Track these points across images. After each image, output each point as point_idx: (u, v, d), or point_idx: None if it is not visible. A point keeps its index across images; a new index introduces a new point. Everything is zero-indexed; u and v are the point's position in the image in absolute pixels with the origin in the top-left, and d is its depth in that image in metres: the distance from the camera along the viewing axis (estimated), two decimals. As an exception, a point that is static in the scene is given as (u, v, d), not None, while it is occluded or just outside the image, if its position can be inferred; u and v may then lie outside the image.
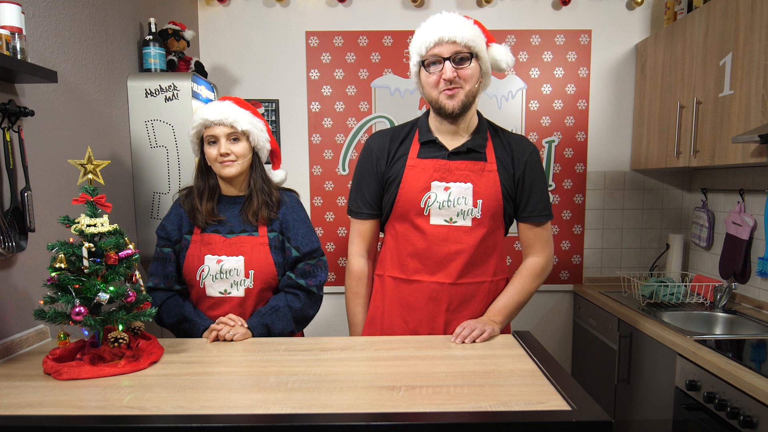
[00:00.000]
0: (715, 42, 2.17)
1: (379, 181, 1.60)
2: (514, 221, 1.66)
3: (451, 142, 1.56)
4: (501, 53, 1.52)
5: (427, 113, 1.61)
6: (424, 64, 1.48)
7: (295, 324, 1.63)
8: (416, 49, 1.49)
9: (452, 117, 1.50)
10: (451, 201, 1.52)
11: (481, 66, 1.49)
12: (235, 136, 1.58)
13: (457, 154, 1.54)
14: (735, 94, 2.04)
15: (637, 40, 2.84)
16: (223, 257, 1.60)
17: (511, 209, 1.60)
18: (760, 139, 1.79)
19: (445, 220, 1.54)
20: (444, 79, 1.44)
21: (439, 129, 1.57)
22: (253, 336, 1.55)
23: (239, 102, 1.63)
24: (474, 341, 1.45)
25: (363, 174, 1.62)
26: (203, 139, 1.61)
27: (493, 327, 1.50)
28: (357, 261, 1.68)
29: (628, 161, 2.92)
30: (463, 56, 1.44)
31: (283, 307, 1.61)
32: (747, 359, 1.75)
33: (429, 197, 1.53)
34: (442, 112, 1.50)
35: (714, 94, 2.17)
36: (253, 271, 1.61)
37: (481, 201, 1.53)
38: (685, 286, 2.51)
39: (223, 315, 1.58)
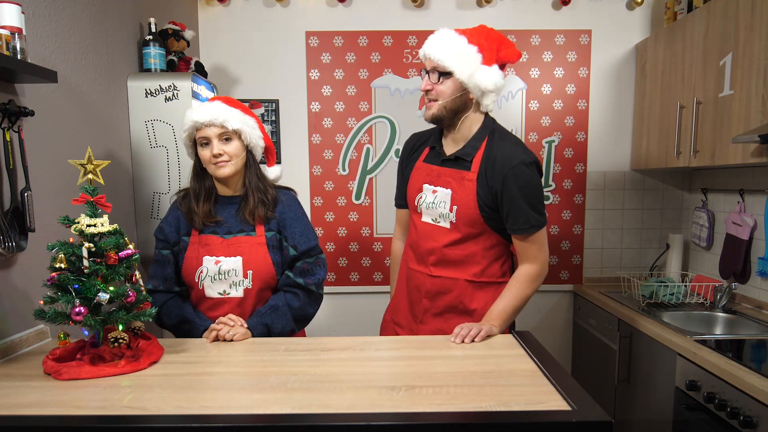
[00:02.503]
0: (715, 42, 2.17)
1: (403, 177, 1.83)
2: None
3: (450, 149, 1.68)
4: (484, 77, 1.53)
5: None
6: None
7: (294, 323, 1.63)
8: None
9: (441, 125, 1.66)
10: (436, 203, 1.67)
11: (467, 84, 1.55)
12: (227, 136, 1.56)
13: (448, 160, 1.66)
14: (735, 94, 2.04)
15: (637, 40, 2.84)
16: (221, 258, 1.59)
17: (497, 218, 1.61)
18: (760, 139, 1.79)
19: (432, 219, 1.70)
20: (421, 89, 1.62)
21: (445, 135, 1.70)
22: (253, 336, 1.55)
23: (229, 101, 1.60)
24: (473, 340, 1.46)
25: (398, 171, 1.87)
26: (196, 141, 1.59)
27: (491, 327, 1.52)
28: (395, 243, 1.98)
29: (628, 161, 2.92)
30: (435, 72, 1.57)
31: (282, 306, 1.60)
32: (747, 359, 1.75)
33: (420, 197, 1.71)
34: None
35: (714, 94, 2.17)
36: (251, 272, 1.60)
37: (456, 207, 1.62)
38: (685, 286, 2.51)
39: (223, 316, 1.58)
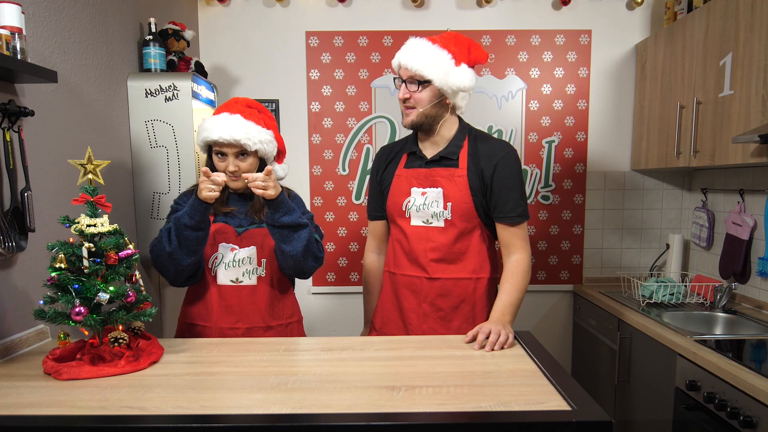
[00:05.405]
0: (715, 42, 2.17)
1: (378, 188, 1.82)
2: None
3: (430, 151, 1.71)
4: (456, 78, 1.58)
5: None
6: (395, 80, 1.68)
7: (301, 253, 1.56)
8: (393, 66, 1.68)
9: (421, 131, 1.68)
10: (427, 204, 1.68)
11: (442, 88, 1.59)
12: (243, 153, 1.58)
13: (433, 161, 1.69)
14: (735, 94, 2.04)
15: (637, 40, 2.84)
16: (237, 247, 1.63)
17: (488, 210, 1.66)
18: (760, 139, 1.79)
19: (423, 222, 1.70)
20: (399, 98, 1.65)
21: (422, 139, 1.73)
22: (275, 197, 1.48)
23: (249, 111, 1.58)
24: (502, 347, 1.40)
25: (371, 183, 1.88)
26: (211, 147, 1.61)
27: (510, 329, 1.48)
28: (368, 256, 1.92)
29: (628, 161, 2.92)
30: (413, 81, 1.60)
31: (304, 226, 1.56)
32: (747, 359, 1.75)
33: (409, 201, 1.70)
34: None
35: (714, 94, 2.17)
36: (265, 260, 1.65)
37: (450, 204, 1.65)
38: (685, 286, 2.51)
39: (235, 304, 1.62)
